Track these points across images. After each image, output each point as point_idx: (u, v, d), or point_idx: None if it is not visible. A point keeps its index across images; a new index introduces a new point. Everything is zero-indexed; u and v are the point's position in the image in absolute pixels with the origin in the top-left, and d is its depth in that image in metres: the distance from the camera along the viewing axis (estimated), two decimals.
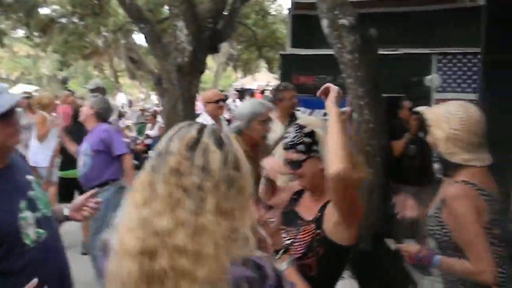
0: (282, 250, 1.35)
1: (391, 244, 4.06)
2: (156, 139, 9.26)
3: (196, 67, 5.74)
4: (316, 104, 9.67)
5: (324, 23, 4.19)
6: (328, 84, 1.62)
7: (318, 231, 1.65)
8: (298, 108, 9.81)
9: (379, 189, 4.17)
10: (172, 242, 0.86)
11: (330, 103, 1.57)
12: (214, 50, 6.17)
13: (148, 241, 0.88)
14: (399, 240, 3.59)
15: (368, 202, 4.15)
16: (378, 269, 3.64)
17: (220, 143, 0.99)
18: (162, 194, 0.91)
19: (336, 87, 1.60)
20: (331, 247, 1.61)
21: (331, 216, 1.62)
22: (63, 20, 13.95)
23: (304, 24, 8.87)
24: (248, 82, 17.72)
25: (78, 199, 1.98)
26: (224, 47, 17.51)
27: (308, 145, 1.65)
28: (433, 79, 3.51)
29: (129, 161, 4.19)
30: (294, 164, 1.68)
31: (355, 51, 4.10)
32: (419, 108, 2.09)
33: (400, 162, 4.32)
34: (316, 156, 1.65)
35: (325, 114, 7.60)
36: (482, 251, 1.71)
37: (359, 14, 4.10)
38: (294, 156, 1.67)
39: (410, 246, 1.94)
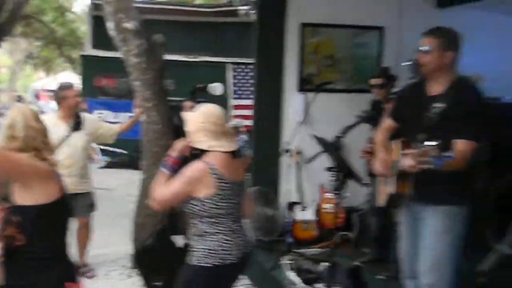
0: None
1: (178, 240, 4.30)
2: None
3: None
4: (119, 107, 9.61)
5: (110, 25, 4.23)
6: None
7: (8, 205, 1.88)
8: (101, 111, 9.50)
9: None
10: None
11: None
12: None
13: None
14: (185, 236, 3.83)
15: None
16: (161, 264, 3.80)
17: None
18: None
19: None
20: (25, 212, 1.84)
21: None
22: None
23: (104, 26, 8.73)
24: (50, 82, 16.42)
25: None
26: (21, 43, 15.89)
27: None
28: (215, 87, 3.86)
29: None
30: None
31: (142, 55, 4.23)
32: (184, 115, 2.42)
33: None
34: None
35: (130, 117, 7.52)
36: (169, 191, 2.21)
37: (164, 20, 4.26)
38: None
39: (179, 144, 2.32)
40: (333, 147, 2.50)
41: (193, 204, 2.20)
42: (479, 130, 2.33)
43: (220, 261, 2.23)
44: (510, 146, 4.10)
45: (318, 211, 4.58)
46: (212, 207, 2.19)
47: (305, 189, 4.60)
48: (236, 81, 9.06)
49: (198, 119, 2.24)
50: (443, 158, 1.98)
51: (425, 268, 2.47)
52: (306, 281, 3.48)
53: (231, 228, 2.28)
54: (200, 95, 5.90)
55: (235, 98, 9.06)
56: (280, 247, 4.27)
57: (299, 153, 4.68)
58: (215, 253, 2.22)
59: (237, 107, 8.76)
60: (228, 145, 2.27)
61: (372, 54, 4.76)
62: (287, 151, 4.40)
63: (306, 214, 4.50)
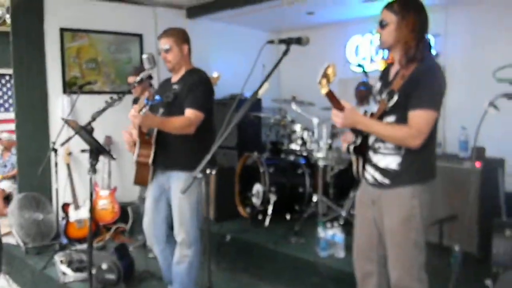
0: None
1: None
2: None
3: None
4: None
5: None
6: None
7: None
8: None
9: None
10: None
11: None
12: None
13: None
14: None
15: None
16: None
17: None
18: None
19: None
20: None
21: None
22: None
23: None
24: None
25: None
26: None
27: None
28: None
29: None
30: None
31: None
32: None
33: None
34: None
35: None
36: None
37: None
38: None
39: None
40: (83, 130, 2.75)
41: None
42: (199, 102, 2.81)
43: None
44: (249, 131, 5.05)
45: (94, 209, 4.73)
46: None
47: (78, 189, 4.69)
48: (1, 93, 8.41)
49: None
50: (153, 100, 2.57)
51: (176, 227, 2.91)
52: (77, 270, 3.62)
53: None
54: None
55: (1, 112, 8.39)
56: (53, 248, 4.29)
57: (69, 154, 4.75)
58: None
59: (5, 121, 8.13)
60: None
61: (134, 58, 5.16)
62: (54, 150, 4.40)
63: (80, 213, 4.60)
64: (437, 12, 4.70)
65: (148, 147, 2.85)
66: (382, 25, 2.11)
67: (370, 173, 2.19)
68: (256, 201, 4.17)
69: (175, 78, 3.01)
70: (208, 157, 1.97)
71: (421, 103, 1.98)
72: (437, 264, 2.87)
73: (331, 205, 4.05)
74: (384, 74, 2.26)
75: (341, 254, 3.29)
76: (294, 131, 4.29)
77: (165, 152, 2.86)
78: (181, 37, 2.96)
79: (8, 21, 4.66)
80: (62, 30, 4.73)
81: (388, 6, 2.11)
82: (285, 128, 4.47)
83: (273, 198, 4.03)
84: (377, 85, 2.25)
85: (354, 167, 2.26)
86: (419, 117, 1.98)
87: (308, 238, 3.65)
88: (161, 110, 2.94)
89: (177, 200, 2.91)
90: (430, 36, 4.83)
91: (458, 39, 4.55)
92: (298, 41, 2.18)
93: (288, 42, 2.16)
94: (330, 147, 4.05)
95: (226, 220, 4.25)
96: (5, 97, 8.44)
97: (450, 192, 3.19)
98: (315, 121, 4.10)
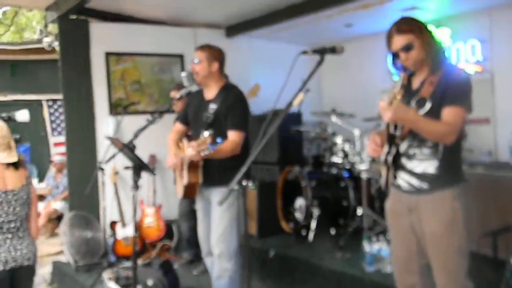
0: None
1: None
2: None
3: None
4: None
5: None
6: None
7: None
8: None
9: None
10: None
11: None
12: None
13: None
14: None
15: None
16: None
17: None
18: None
19: None
20: None
21: None
22: None
23: None
24: None
25: None
26: None
27: None
28: (21, 114, 3.83)
29: None
30: None
31: None
32: None
33: None
34: None
35: None
36: None
37: None
38: None
39: None
40: (126, 147, 2.84)
41: None
42: (240, 122, 2.89)
43: None
44: (291, 146, 5.01)
45: (140, 227, 4.83)
46: None
47: (124, 207, 4.80)
48: (53, 118, 8.86)
49: None
50: (215, 143, 2.50)
51: (215, 240, 2.93)
52: (124, 286, 3.68)
53: None
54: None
55: (54, 136, 8.82)
56: (102, 266, 4.39)
57: (116, 173, 4.89)
58: None
59: (57, 144, 8.54)
60: (4, 158, 2.52)
61: (175, 78, 5.29)
62: (101, 169, 4.53)
63: (127, 231, 4.70)
64: (481, 17, 4.56)
65: (196, 169, 2.90)
66: (408, 48, 2.12)
67: (405, 180, 2.15)
68: (299, 215, 4.12)
69: (209, 94, 3.05)
70: (243, 169, 1.97)
71: (455, 100, 2.00)
72: (492, 279, 2.72)
73: (377, 218, 3.93)
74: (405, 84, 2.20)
75: (388, 269, 3.17)
76: (335, 144, 4.22)
77: (207, 170, 2.92)
78: (214, 54, 3.03)
79: (57, 48, 4.90)
80: (108, 54, 4.93)
81: (402, 30, 2.13)
82: (326, 141, 4.42)
83: (316, 212, 3.97)
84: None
85: (384, 178, 2.19)
86: (454, 113, 1.99)
87: (353, 253, 3.55)
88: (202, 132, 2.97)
89: (218, 211, 2.93)
90: (476, 42, 4.67)
91: (505, 43, 4.36)
92: (333, 50, 2.16)
93: (322, 51, 2.15)
94: (373, 159, 3.95)
95: (269, 236, 4.22)
96: (58, 121, 8.90)
97: (503, 202, 3.02)
98: (357, 132, 4.02)
